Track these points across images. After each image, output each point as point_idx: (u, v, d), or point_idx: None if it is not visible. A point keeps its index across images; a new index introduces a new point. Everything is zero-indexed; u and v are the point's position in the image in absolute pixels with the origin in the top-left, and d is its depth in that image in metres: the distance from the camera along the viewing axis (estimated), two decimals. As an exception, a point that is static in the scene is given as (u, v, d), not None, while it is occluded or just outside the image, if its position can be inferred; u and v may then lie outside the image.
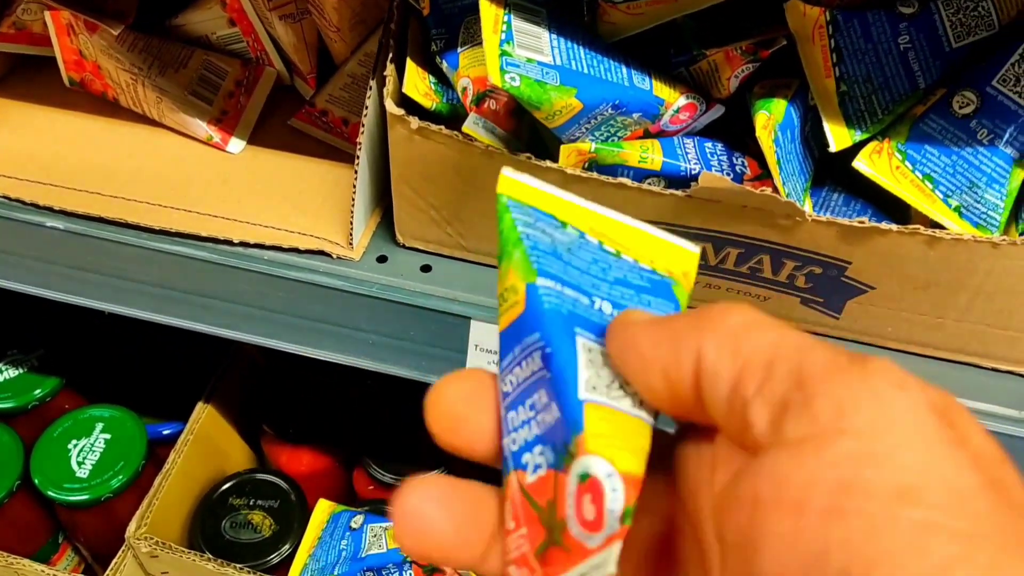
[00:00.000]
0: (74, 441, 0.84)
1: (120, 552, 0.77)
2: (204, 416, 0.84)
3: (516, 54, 0.47)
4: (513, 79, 0.46)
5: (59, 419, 0.85)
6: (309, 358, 0.69)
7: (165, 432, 0.91)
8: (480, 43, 0.52)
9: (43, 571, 0.77)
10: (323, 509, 0.82)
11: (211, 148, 0.69)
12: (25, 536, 0.86)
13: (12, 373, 0.89)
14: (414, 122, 0.54)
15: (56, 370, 0.90)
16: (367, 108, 0.58)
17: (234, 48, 0.72)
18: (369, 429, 0.89)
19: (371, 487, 0.88)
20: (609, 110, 0.49)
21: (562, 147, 0.51)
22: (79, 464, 0.82)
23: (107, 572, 0.76)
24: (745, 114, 0.54)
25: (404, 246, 0.64)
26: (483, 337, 0.61)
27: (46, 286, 0.67)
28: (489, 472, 0.30)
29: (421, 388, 0.67)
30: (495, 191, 0.55)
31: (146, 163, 0.68)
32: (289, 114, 0.72)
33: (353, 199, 0.61)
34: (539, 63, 0.47)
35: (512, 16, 0.49)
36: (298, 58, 0.70)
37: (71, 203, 0.65)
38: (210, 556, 0.75)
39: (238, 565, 0.74)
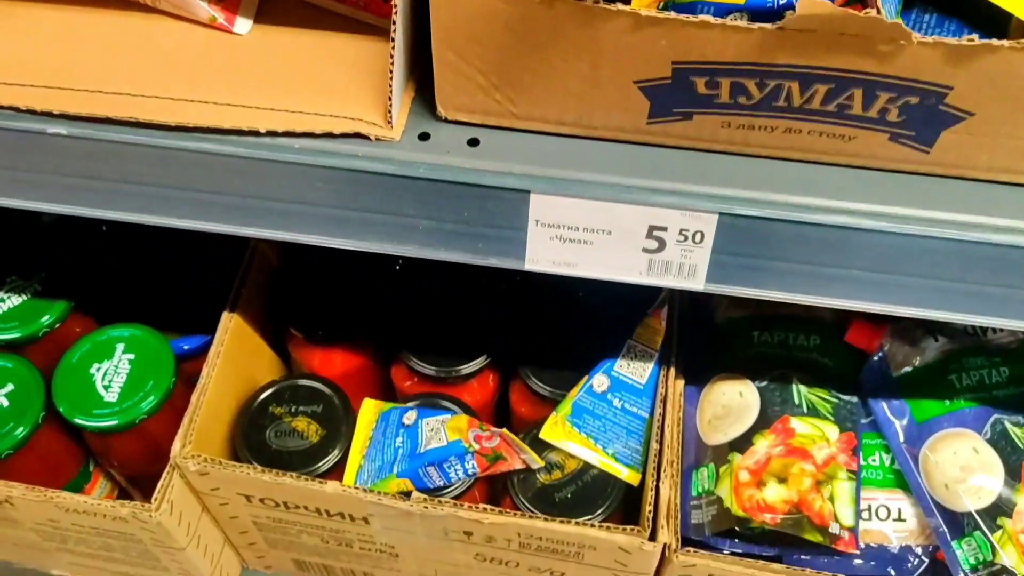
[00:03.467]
0: (96, 364, 0.79)
1: (165, 474, 0.74)
2: (232, 326, 0.80)
3: None
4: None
5: (75, 344, 0.80)
6: (329, 252, 0.64)
7: (186, 347, 0.87)
8: None
9: (87, 502, 0.73)
10: (369, 408, 0.79)
11: (215, 31, 0.63)
12: (55, 469, 0.82)
13: (16, 300, 0.83)
14: (461, -27, 0.49)
15: (62, 293, 0.84)
16: (400, -35, 0.52)
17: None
18: (402, 321, 0.85)
19: (410, 381, 0.85)
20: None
21: (636, -11, 0.46)
22: (106, 388, 0.78)
23: (155, 495, 0.73)
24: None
25: (446, 120, 0.59)
26: (545, 211, 0.57)
27: (56, 200, 0.62)
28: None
29: (451, 269, 0.64)
30: (554, 45, 0.50)
31: (147, 55, 0.61)
32: (295, -13, 0.66)
33: (391, 72, 0.56)
34: None
35: None
36: (299, -80, 0.63)
37: (73, 105, 0.58)
38: (263, 468, 0.72)
39: (293, 473, 0.71)
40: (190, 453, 0.73)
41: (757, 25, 0.46)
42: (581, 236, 0.58)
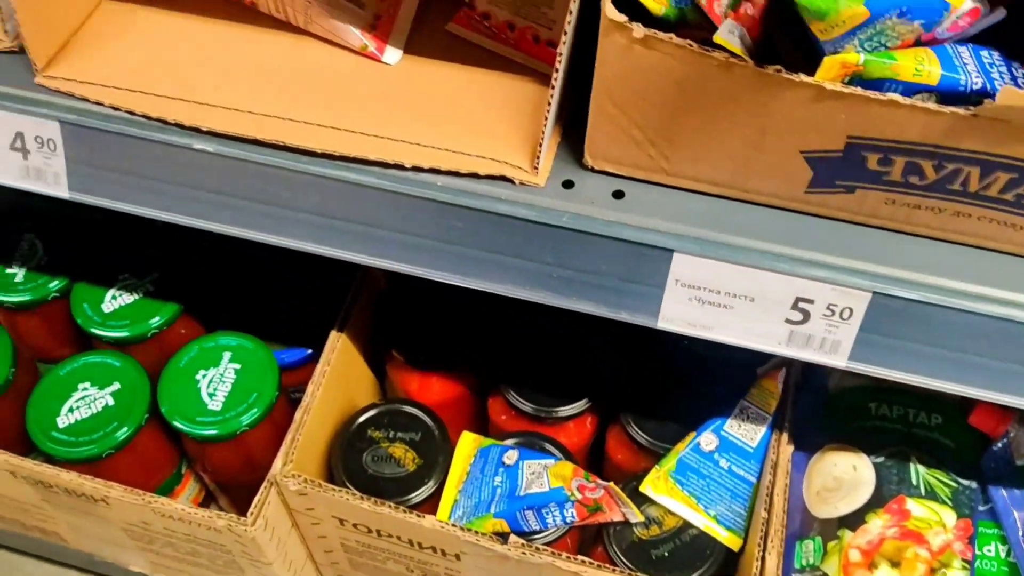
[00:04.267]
0: (202, 371, 0.79)
1: (263, 489, 0.74)
2: (339, 345, 0.80)
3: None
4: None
5: (184, 348, 0.81)
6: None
7: (286, 360, 0.87)
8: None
9: (185, 511, 0.74)
10: (468, 442, 0.78)
11: (365, 58, 0.62)
12: (151, 469, 0.83)
13: (128, 299, 0.84)
14: (639, 30, 0.47)
15: (172, 295, 0.85)
16: (571, 12, 0.51)
17: (382, -58, 0.64)
18: (504, 354, 0.84)
19: (506, 416, 0.84)
20: (893, 17, 0.42)
21: (825, 59, 0.44)
22: (210, 396, 0.78)
23: (251, 510, 0.73)
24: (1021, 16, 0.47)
25: (592, 169, 0.57)
26: (686, 271, 0.55)
27: (200, 216, 0.62)
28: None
29: (561, 312, 0.62)
30: (723, 107, 0.49)
31: (296, 77, 0.61)
32: (443, 17, 0.65)
33: (546, 119, 0.54)
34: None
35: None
36: (457, -46, 0.62)
37: (220, 123, 0.58)
38: (362, 495, 0.71)
39: (392, 503, 0.71)
40: (291, 472, 0.73)
41: (949, 109, 0.44)
42: (721, 300, 0.56)
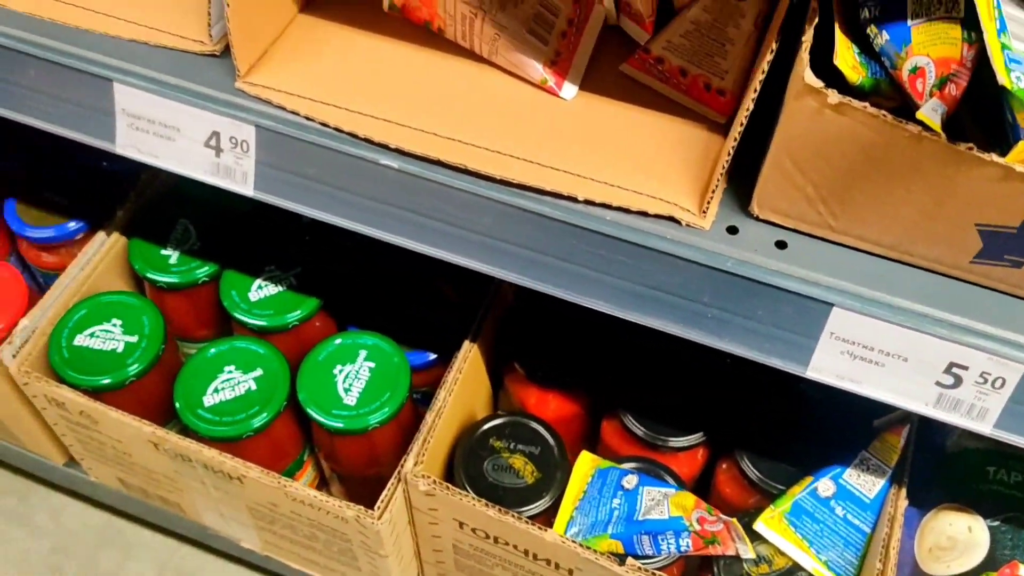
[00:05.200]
0: (339, 366, 0.84)
1: (390, 485, 0.77)
2: (471, 355, 0.83)
3: (1014, 47, 0.42)
4: (1019, 79, 0.41)
5: (323, 342, 0.85)
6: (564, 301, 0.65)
7: (412, 363, 0.90)
8: (939, 18, 0.47)
9: (318, 498, 0.78)
10: (586, 461, 0.81)
11: (543, 92, 0.66)
12: (280, 453, 0.87)
13: (272, 290, 0.89)
14: (834, 96, 0.50)
15: (313, 289, 0.89)
16: (763, 72, 0.53)
17: (565, -18, 0.67)
18: (623, 377, 0.87)
19: (620, 439, 0.87)
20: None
21: (1020, 143, 0.46)
22: (346, 391, 0.82)
23: (378, 504, 0.77)
24: None
25: (756, 217, 0.60)
26: (843, 326, 0.57)
27: (375, 225, 0.65)
28: None
29: (682, 342, 0.64)
30: (904, 176, 0.51)
31: (479, 104, 0.65)
32: (615, 58, 0.68)
33: (722, 167, 0.57)
34: (1040, 55, 0.42)
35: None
36: (639, 2, 0.65)
37: (408, 142, 0.62)
38: (487, 503, 0.74)
39: (516, 512, 0.74)
40: (420, 472, 0.76)
41: None
42: (874, 357, 0.58)
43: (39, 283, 1.01)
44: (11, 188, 0.97)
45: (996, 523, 0.73)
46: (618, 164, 0.62)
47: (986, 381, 0.56)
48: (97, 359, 0.84)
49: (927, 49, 0.46)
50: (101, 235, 0.93)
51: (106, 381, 0.82)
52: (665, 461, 0.83)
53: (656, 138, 0.64)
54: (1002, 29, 0.42)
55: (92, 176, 0.98)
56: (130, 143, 0.69)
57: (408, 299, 0.93)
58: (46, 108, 0.71)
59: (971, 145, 0.48)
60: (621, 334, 0.90)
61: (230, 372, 0.84)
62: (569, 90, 0.66)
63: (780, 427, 0.83)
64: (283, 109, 0.65)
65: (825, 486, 0.76)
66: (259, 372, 0.84)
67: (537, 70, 0.65)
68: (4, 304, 0.88)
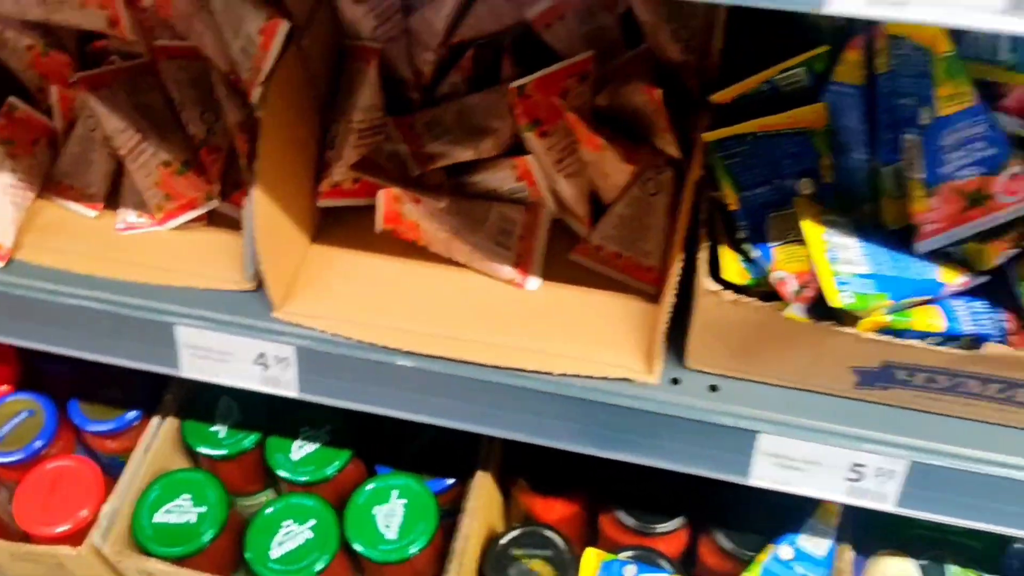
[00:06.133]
0: (377, 507, 1.00)
1: (435, 603, 0.94)
2: (484, 482, 1.01)
3: (842, 271, 0.60)
4: (848, 297, 0.60)
5: (359, 488, 1.02)
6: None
7: (435, 489, 1.07)
8: (791, 241, 0.65)
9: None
10: (591, 557, 0.98)
11: (513, 287, 0.84)
12: (337, 585, 1.04)
13: (310, 448, 1.06)
14: (729, 295, 0.68)
15: (344, 442, 1.06)
16: (671, 274, 0.71)
17: (517, 196, 0.85)
18: (612, 479, 1.04)
19: (615, 530, 1.04)
20: (908, 300, 0.63)
21: (860, 322, 0.65)
22: (386, 527, 0.99)
23: (427, 621, 0.94)
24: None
25: (693, 369, 0.78)
26: (769, 445, 0.75)
27: (398, 408, 0.83)
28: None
29: None
30: (788, 341, 0.69)
31: (466, 304, 0.82)
32: (563, 247, 0.86)
33: (662, 333, 0.75)
34: (858, 275, 0.61)
35: (829, 232, 0.62)
36: (577, 206, 0.83)
37: (416, 344, 0.79)
38: (515, 609, 0.91)
39: (540, 613, 0.91)
40: (459, 590, 0.93)
41: (951, 351, 0.64)
42: (796, 465, 0.76)
43: (103, 464, 1.17)
44: (70, 389, 1.14)
45: (924, 562, 0.91)
46: (580, 339, 0.80)
47: (882, 474, 0.74)
48: (176, 531, 1.00)
49: (786, 265, 0.65)
50: (156, 419, 1.10)
51: (188, 550, 0.99)
52: (656, 544, 1.01)
53: (607, 312, 0.82)
54: (833, 259, 0.61)
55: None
56: (193, 369, 0.87)
57: (421, 439, 1.10)
58: (120, 349, 0.88)
59: (832, 322, 0.66)
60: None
61: (288, 526, 1.01)
62: (533, 283, 0.84)
63: (744, 503, 1.01)
64: (315, 330, 0.82)
65: (784, 551, 0.93)
66: (313, 522, 1.01)
67: (506, 272, 0.83)
68: (86, 493, 1.05)
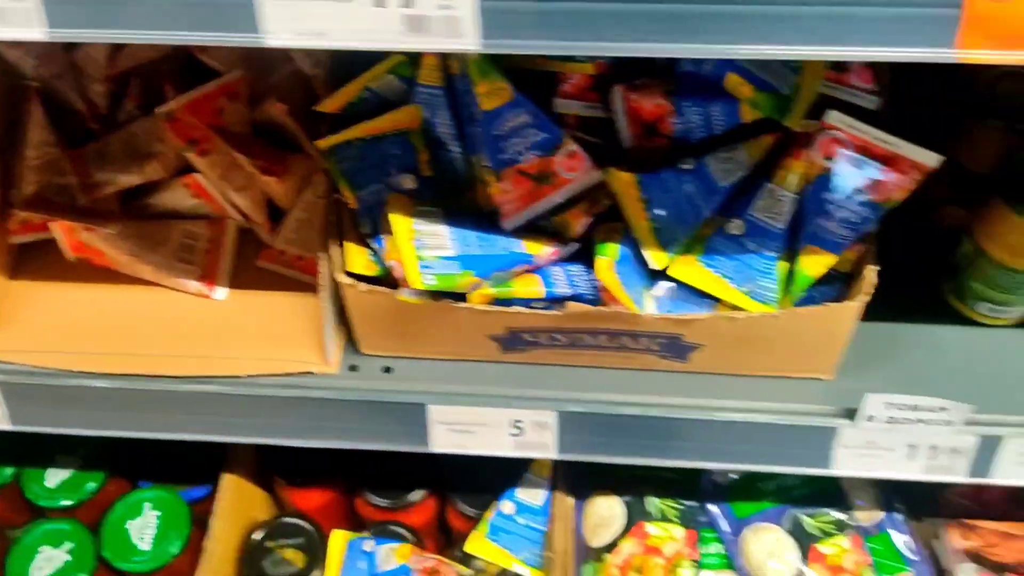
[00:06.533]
0: (129, 521, 1.05)
1: (190, 602, 0.99)
2: (228, 482, 1.06)
3: (427, 256, 0.68)
4: (431, 279, 0.67)
5: (112, 506, 1.06)
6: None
7: (196, 495, 1.12)
8: (399, 232, 0.73)
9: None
10: (338, 538, 1.05)
11: (202, 299, 0.89)
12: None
13: (64, 474, 1.09)
14: (362, 287, 0.75)
15: (97, 464, 1.10)
16: (321, 272, 0.78)
17: (200, 212, 0.90)
18: (361, 465, 1.11)
19: (369, 510, 1.11)
20: (497, 272, 0.71)
21: (470, 295, 0.72)
22: (140, 539, 1.03)
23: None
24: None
25: (367, 354, 0.85)
26: (440, 415, 0.83)
27: (108, 427, 0.87)
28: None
29: None
30: (428, 320, 0.76)
31: (159, 321, 0.87)
32: (252, 253, 0.92)
33: (331, 326, 0.81)
34: (444, 258, 0.68)
35: (419, 222, 0.69)
36: (254, 215, 0.89)
37: (111, 366, 0.84)
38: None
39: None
40: (209, 587, 0.99)
41: (552, 312, 0.73)
42: (467, 428, 0.84)
43: None
44: None
45: (628, 499, 1.01)
46: (266, 340, 0.86)
47: (538, 427, 0.82)
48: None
49: (393, 256, 0.72)
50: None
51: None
52: (405, 518, 1.08)
53: (291, 312, 0.88)
54: (420, 245, 0.68)
55: None
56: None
57: (175, 448, 1.14)
58: None
59: (450, 300, 0.74)
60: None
61: (44, 551, 1.04)
62: (221, 293, 0.89)
63: (476, 469, 1.08)
64: (12, 364, 0.86)
65: (506, 506, 1.02)
66: (70, 545, 1.04)
67: (192, 285, 0.88)
68: None
